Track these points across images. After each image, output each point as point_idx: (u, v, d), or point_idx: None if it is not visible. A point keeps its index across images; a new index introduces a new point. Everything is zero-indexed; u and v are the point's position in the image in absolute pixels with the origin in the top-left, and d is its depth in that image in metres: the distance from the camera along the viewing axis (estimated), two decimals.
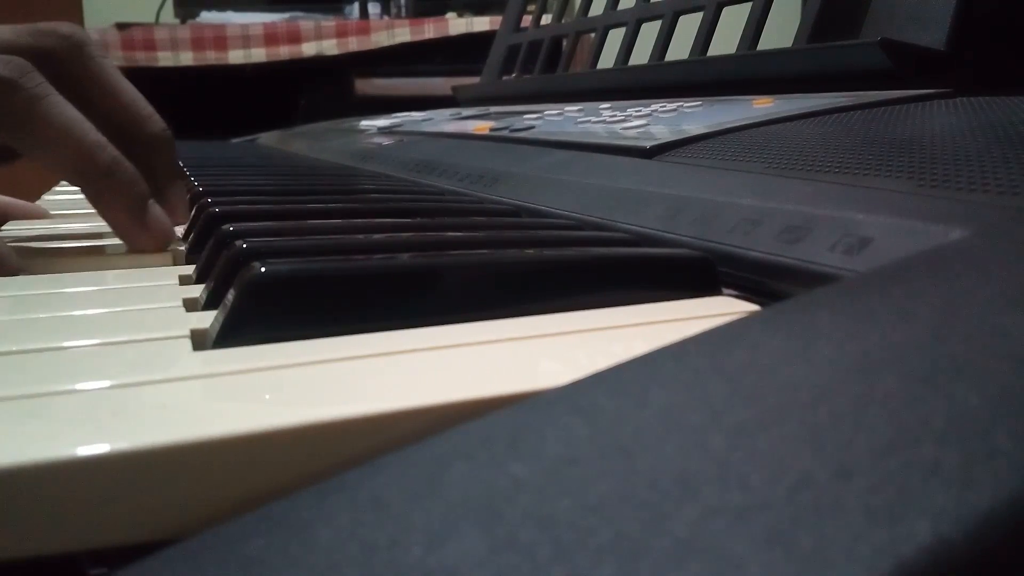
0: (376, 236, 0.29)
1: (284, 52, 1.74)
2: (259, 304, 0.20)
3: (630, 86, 0.68)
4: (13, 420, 0.15)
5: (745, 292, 0.24)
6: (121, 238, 0.33)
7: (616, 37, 0.75)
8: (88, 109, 0.32)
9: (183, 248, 0.34)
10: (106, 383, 0.16)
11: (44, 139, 0.31)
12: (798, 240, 0.23)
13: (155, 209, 0.33)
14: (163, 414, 0.15)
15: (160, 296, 0.24)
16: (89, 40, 0.36)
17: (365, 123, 0.94)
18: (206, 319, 0.21)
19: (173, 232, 0.34)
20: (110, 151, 0.32)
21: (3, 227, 0.40)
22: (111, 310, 0.23)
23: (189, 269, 0.29)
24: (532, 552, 0.09)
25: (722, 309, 0.22)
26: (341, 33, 1.77)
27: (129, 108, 0.37)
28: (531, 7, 0.96)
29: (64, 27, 0.35)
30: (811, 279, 0.21)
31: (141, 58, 1.67)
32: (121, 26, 1.67)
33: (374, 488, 0.11)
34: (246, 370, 0.17)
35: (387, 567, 0.09)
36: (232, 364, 0.17)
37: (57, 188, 0.64)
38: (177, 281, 0.27)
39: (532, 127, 0.55)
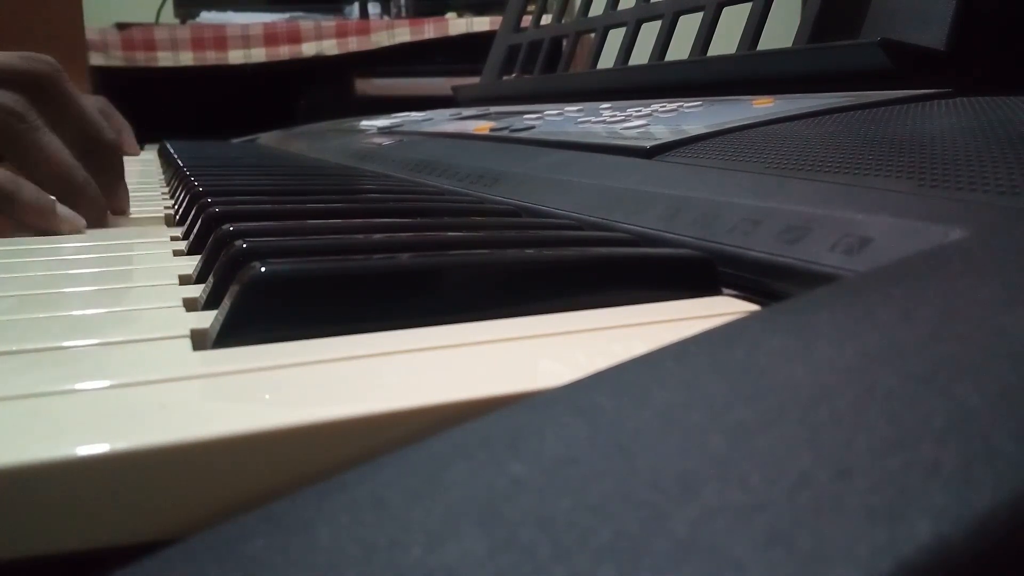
0: (376, 236, 0.29)
1: (284, 52, 1.74)
2: (259, 304, 0.20)
3: (630, 86, 0.68)
4: (13, 420, 0.15)
5: (745, 292, 0.24)
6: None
7: (616, 37, 0.75)
8: (61, 124, 0.43)
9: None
10: (106, 383, 0.16)
11: (36, 160, 0.42)
12: (798, 240, 0.23)
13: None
14: (163, 414, 0.15)
15: (160, 296, 0.24)
16: (62, 69, 0.44)
17: (365, 123, 0.94)
18: (206, 319, 0.21)
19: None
20: (82, 172, 0.43)
21: None
22: (111, 310, 0.23)
23: (189, 267, 0.29)
24: (532, 552, 0.09)
25: (722, 309, 0.22)
26: (341, 33, 1.77)
27: (90, 124, 0.45)
28: (531, 7, 0.96)
29: (45, 57, 0.44)
30: (811, 279, 0.21)
31: (141, 58, 1.67)
32: (121, 26, 1.67)
33: (374, 488, 0.11)
34: (246, 370, 0.17)
35: (387, 567, 0.09)
36: (232, 364, 0.17)
37: None
38: (177, 281, 0.27)
39: (532, 127, 0.55)
